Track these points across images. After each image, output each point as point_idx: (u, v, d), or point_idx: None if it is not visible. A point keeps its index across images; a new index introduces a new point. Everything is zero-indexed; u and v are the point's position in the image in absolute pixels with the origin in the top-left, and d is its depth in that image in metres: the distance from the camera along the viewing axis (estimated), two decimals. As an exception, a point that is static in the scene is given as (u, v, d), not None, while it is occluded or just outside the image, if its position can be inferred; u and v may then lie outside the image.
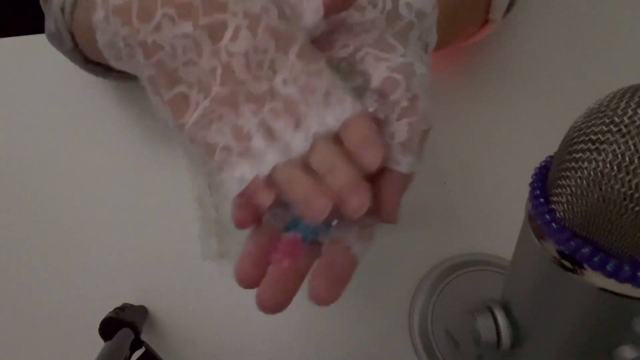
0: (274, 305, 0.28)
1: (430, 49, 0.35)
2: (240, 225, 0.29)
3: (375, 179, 0.29)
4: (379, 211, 0.29)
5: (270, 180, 0.27)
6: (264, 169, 0.27)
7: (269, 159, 0.27)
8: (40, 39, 0.43)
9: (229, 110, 0.28)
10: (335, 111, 0.28)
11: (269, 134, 0.28)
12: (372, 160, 0.27)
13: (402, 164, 0.29)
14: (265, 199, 0.27)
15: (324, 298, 0.27)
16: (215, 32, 0.27)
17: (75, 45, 0.41)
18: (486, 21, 0.47)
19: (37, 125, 0.51)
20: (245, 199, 0.29)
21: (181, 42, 0.27)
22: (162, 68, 0.28)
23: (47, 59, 0.47)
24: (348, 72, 0.32)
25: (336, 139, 0.28)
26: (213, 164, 0.29)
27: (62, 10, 0.39)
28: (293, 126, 0.27)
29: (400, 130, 0.30)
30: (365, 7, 0.33)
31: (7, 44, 0.52)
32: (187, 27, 0.27)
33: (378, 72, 0.31)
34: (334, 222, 0.29)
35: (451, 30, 0.42)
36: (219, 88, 0.28)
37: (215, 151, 0.28)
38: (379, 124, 0.30)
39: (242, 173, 0.27)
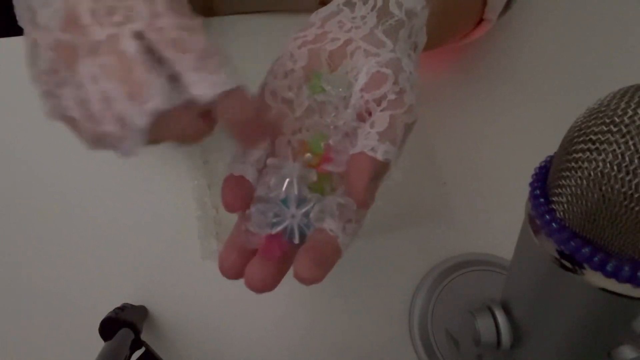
0: (263, 283, 0.27)
1: (419, 50, 0.35)
2: (229, 207, 0.29)
3: (348, 162, 0.29)
4: (350, 195, 0.28)
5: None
6: (126, 154, 0.25)
7: (125, 145, 0.25)
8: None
9: (70, 73, 0.24)
10: (209, 80, 0.24)
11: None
12: (254, 141, 0.26)
13: (378, 150, 0.29)
14: None
15: (307, 277, 0.27)
16: None
17: None
18: (481, 20, 0.47)
19: (38, 125, 0.50)
20: (235, 182, 0.29)
21: None
22: (30, 12, 0.26)
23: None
24: (332, 80, 0.32)
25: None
26: (85, 141, 0.26)
27: None
28: (125, 95, 0.23)
29: (381, 120, 0.30)
30: (356, 3, 0.33)
31: (7, 44, 0.52)
32: None
33: (367, 67, 0.31)
34: (313, 216, 0.29)
35: (445, 29, 0.42)
36: (59, 33, 0.24)
37: (81, 129, 0.25)
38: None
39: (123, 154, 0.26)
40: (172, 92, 0.24)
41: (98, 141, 0.26)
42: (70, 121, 0.26)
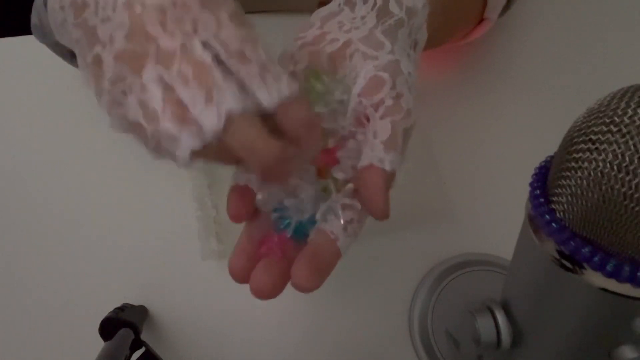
0: (267, 290, 0.28)
1: (420, 47, 0.35)
2: (234, 218, 0.29)
3: (359, 177, 0.29)
4: (369, 209, 0.29)
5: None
6: (183, 157, 0.25)
7: (183, 145, 0.25)
8: (40, 39, 0.43)
9: (136, 78, 0.25)
10: (271, 88, 0.25)
11: (179, 109, 0.25)
12: (314, 144, 0.26)
13: (385, 161, 0.29)
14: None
15: (304, 285, 0.27)
16: None
17: None
18: (482, 20, 0.47)
19: (37, 125, 0.51)
20: (239, 192, 0.29)
21: None
22: (86, 28, 0.27)
23: (46, 59, 0.47)
24: (329, 83, 0.32)
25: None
26: (147, 149, 0.27)
27: (45, 2, 0.39)
28: (203, 98, 0.24)
29: (384, 128, 0.30)
30: (356, 3, 0.33)
31: (7, 44, 0.52)
32: None
33: (365, 71, 0.31)
34: (318, 216, 0.30)
35: (445, 29, 0.42)
36: (124, 43, 0.25)
37: (147, 135, 0.26)
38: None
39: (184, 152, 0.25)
40: (244, 97, 0.25)
41: (159, 147, 0.26)
42: (135, 128, 0.26)
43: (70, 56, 0.42)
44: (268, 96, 0.25)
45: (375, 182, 0.29)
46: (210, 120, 0.24)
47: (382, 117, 0.30)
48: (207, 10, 0.26)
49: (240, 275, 0.29)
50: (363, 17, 0.33)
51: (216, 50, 0.25)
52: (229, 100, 0.24)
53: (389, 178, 0.29)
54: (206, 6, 0.26)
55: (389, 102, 0.30)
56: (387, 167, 0.29)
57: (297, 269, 0.27)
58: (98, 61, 0.26)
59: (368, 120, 0.31)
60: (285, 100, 0.25)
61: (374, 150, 0.29)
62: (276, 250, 0.29)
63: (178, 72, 0.25)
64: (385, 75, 0.30)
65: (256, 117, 0.25)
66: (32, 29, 0.42)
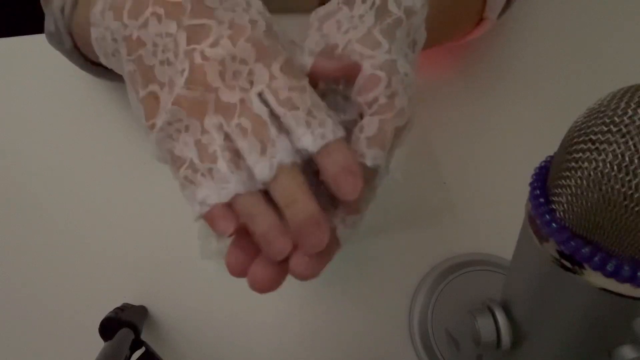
0: (265, 283, 0.28)
1: (419, 47, 0.35)
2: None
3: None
4: (341, 200, 0.28)
5: (230, 208, 0.27)
6: (224, 197, 0.27)
7: (230, 187, 0.26)
8: (40, 39, 0.43)
9: (195, 121, 0.27)
10: (315, 133, 0.27)
11: (234, 156, 0.27)
12: (351, 191, 0.26)
13: (367, 157, 0.29)
14: (225, 227, 0.27)
15: (303, 273, 0.27)
16: (195, 35, 0.27)
17: (75, 45, 0.41)
18: (481, 19, 0.47)
19: (37, 125, 0.51)
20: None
21: (163, 40, 0.28)
22: (142, 65, 0.28)
23: (47, 59, 0.47)
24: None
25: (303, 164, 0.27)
26: (177, 178, 0.28)
27: (62, 10, 0.39)
28: (259, 150, 0.26)
29: (371, 125, 0.30)
30: (355, 2, 0.33)
31: (7, 44, 0.52)
32: (171, 26, 0.27)
33: (363, 70, 0.31)
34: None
35: (445, 28, 0.42)
36: (183, 90, 0.27)
37: (181, 167, 0.28)
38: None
39: (204, 196, 0.27)
40: (294, 150, 0.27)
41: (191, 182, 0.28)
42: (177, 161, 0.28)
43: (83, 60, 0.43)
44: (312, 141, 0.26)
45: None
46: (263, 170, 0.26)
47: (372, 115, 0.30)
48: (261, 63, 0.27)
49: (238, 270, 0.29)
50: (362, 16, 0.33)
51: (268, 99, 0.27)
52: (282, 153, 0.26)
53: (369, 174, 0.29)
54: (260, 60, 0.27)
55: (382, 100, 0.30)
56: (368, 162, 0.29)
57: (296, 257, 0.27)
58: (154, 98, 0.28)
59: (362, 118, 0.31)
60: (327, 144, 0.27)
61: (356, 145, 0.29)
62: None
63: (237, 124, 0.27)
64: (382, 74, 0.30)
65: (300, 172, 0.27)
66: (47, 36, 0.42)
